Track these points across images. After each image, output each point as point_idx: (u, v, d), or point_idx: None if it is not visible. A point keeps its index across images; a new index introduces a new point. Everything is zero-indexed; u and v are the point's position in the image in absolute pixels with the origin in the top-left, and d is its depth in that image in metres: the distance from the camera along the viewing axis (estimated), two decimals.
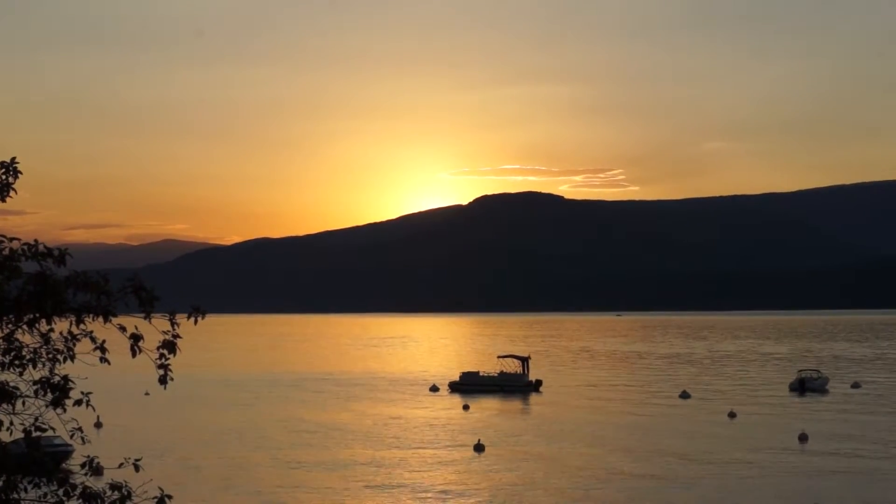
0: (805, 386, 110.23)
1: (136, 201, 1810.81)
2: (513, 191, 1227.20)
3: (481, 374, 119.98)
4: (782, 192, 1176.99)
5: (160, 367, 11.75)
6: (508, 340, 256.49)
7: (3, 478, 11.59)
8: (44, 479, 11.64)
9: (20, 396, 11.84)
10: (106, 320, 11.55)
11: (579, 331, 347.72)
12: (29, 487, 11.76)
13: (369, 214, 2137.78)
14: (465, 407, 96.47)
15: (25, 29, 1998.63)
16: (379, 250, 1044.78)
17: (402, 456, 65.67)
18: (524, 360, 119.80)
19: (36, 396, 11.85)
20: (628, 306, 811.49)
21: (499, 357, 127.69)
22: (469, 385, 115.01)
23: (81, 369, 12.26)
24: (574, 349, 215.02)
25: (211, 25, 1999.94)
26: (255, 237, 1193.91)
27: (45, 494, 11.68)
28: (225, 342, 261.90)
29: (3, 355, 11.78)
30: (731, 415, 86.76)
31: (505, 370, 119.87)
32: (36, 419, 11.94)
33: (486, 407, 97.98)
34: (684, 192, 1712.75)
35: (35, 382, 11.81)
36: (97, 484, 11.81)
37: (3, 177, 12.08)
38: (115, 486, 11.66)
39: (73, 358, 11.86)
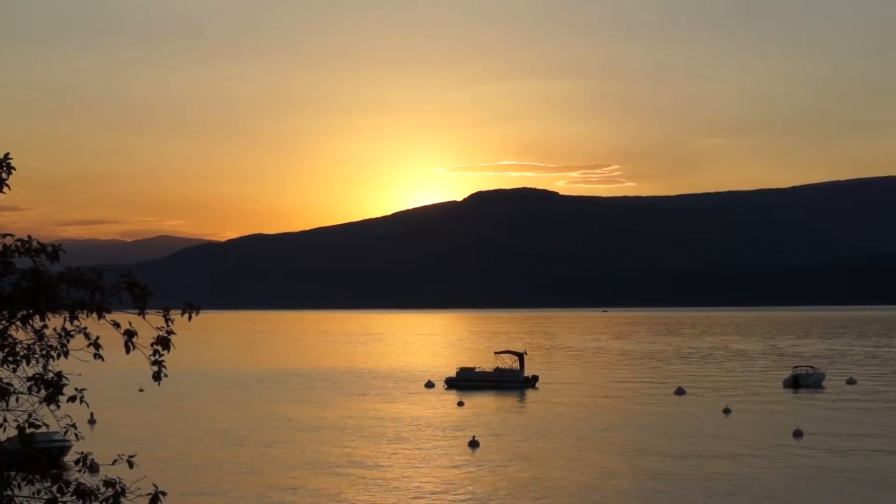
0: (799, 382, 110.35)
1: (130, 197, 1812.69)
2: (508, 187, 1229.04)
3: (477, 370, 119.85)
4: (779, 189, 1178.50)
5: (154, 363, 11.74)
6: (504, 336, 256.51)
7: None
8: (37, 476, 11.61)
9: (14, 393, 11.82)
10: (100, 316, 11.53)
11: (562, 328, 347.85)
12: (23, 484, 11.74)
13: (365, 210, 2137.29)
14: (461, 403, 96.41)
15: (21, 24, 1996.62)
16: (374, 246, 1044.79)
17: (397, 452, 65.67)
18: (520, 356, 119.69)
19: (30, 393, 11.83)
20: (624, 302, 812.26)
21: (495, 353, 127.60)
22: (465, 381, 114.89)
23: (75, 365, 12.24)
24: (556, 347, 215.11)
25: (207, 22, 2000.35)
26: (250, 233, 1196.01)
27: (39, 491, 11.66)
28: (219, 339, 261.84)
29: None
30: (726, 411, 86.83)
31: (501, 366, 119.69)
32: (30, 416, 11.92)
33: (482, 403, 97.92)
34: (681, 189, 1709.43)
35: (29, 379, 11.80)
36: (91, 480, 11.79)
37: None
38: (109, 483, 11.64)
39: (66, 354, 11.85)
